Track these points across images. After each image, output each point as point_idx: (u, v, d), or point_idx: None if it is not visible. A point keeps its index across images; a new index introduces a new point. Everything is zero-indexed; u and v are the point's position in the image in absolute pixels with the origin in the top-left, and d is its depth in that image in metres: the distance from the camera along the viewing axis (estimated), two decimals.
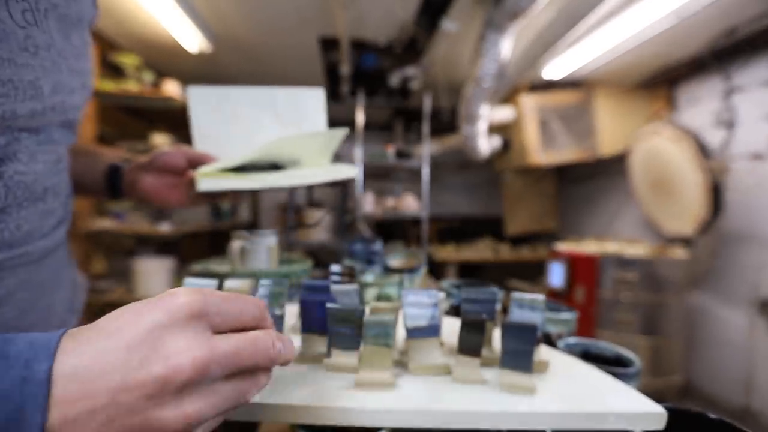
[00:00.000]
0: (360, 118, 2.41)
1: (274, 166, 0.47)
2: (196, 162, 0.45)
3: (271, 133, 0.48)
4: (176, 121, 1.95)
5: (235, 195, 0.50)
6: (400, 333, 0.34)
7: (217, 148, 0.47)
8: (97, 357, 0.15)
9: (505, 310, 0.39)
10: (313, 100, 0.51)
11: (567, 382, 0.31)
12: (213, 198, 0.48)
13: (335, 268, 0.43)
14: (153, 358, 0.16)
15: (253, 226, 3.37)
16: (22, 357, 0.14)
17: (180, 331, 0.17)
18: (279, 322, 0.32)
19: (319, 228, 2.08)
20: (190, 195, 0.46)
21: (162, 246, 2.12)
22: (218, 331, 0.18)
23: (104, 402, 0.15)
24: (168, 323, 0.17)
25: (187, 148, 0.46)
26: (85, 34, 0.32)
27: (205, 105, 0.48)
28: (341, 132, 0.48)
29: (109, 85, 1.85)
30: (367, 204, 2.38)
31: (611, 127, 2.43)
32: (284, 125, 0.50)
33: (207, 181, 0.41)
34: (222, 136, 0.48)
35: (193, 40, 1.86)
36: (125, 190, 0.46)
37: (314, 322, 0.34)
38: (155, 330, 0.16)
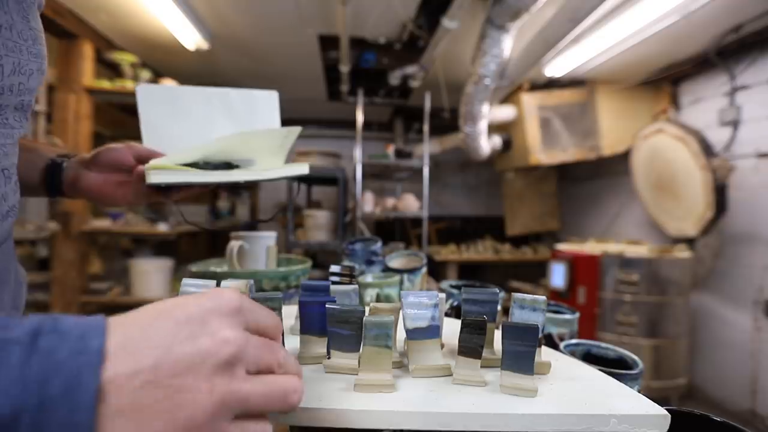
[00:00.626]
0: (359, 117, 2.41)
1: (228, 166, 0.46)
2: (144, 159, 0.43)
3: (224, 132, 0.48)
4: None
5: (193, 191, 0.48)
6: (400, 334, 0.34)
7: (168, 146, 0.46)
8: (146, 331, 0.17)
9: (506, 311, 0.39)
10: (267, 101, 0.51)
11: (569, 384, 0.31)
12: (164, 194, 0.46)
13: (334, 268, 0.43)
14: (200, 333, 0.17)
15: (252, 226, 3.38)
16: (74, 332, 0.16)
17: (223, 318, 0.19)
18: None
19: (319, 228, 2.08)
20: (134, 191, 0.44)
21: (159, 246, 2.12)
22: (246, 329, 0.20)
23: (149, 364, 0.16)
24: (213, 309, 0.19)
25: (135, 145, 0.45)
26: (39, 19, 0.32)
27: (155, 103, 0.47)
28: (296, 130, 0.48)
29: (106, 84, 1.85)
30: (367, 204, 2.38)
31: (613, 126, 2.42)
32: (237, 125, 0.50)
33: (157, 174, 0.40)
34: (172, 134, 0.47)
35: (190, 38, 1.85)
36: (66, 188, 0.43)
37: (313, 323, 0.33)
38: (203, 313, 0.18)
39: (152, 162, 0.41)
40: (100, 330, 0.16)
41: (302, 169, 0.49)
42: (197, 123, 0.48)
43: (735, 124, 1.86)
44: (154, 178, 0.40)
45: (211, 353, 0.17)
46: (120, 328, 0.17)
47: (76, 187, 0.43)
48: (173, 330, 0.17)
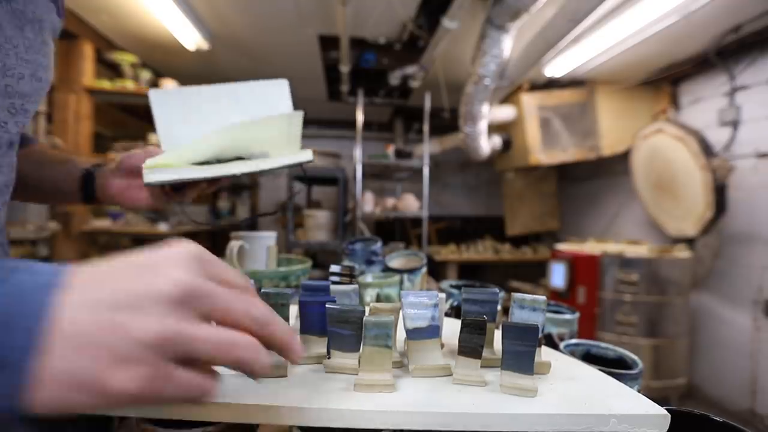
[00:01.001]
0: (359, 117, 2.41)
1: (241, 161, 0.46)
2: None
3: None
4: None
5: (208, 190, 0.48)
6: (400, 334, 0.34)
7: None
8: (103, 273, 0.19)
9: (506, 311, 0.39)
10: (278, 91, 0.50)
11: (568, 384, 0.31)
12: (177, 193, 0.47)
13: (334, 268, 0.43)
14: (151, 275, 0.19)
15: (252, 226, 3.37)
16: (46, 270, 0.18)
17: (178, 263, 0.20)
18: None
19: (319, 228, 2.08)
20: (151, 194, 0.45)
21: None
22: (209, 279, 0.21)
23: (97, 297, 0.18)
24: (170, 256, 0.20)
25: (152, 149, 0.46)
26: (44, 34, 0.34)
27: (168, 107, 0.47)
28: (298, 114, 0.47)
29: (106, 84, 1.85)
30: (367, 204, 2.38)
31: (613, 126, 2.43)
32: (250, 118, 0.49)
33: (152, 173, 0.40)
34: (188, 135, 0.47)
35: (190, 38, 1.85)
36: (98, 194, 0.47)
37: (313, 323, 0.33)
38: (158, 258, 0.20)
39: (148, 161, 0.41)
40: (63, 269, 0.19)
41: (305, 155, 0.47)
42: (211, 121, 0.48)
43: (734, 124, 1.87)
44: (150, 177, 0.40)
45: (156, 292, 0.18)
46: (82, 269, 0.19)
47: (105, 193, 0.46)
48: (126, 271, 0.19)
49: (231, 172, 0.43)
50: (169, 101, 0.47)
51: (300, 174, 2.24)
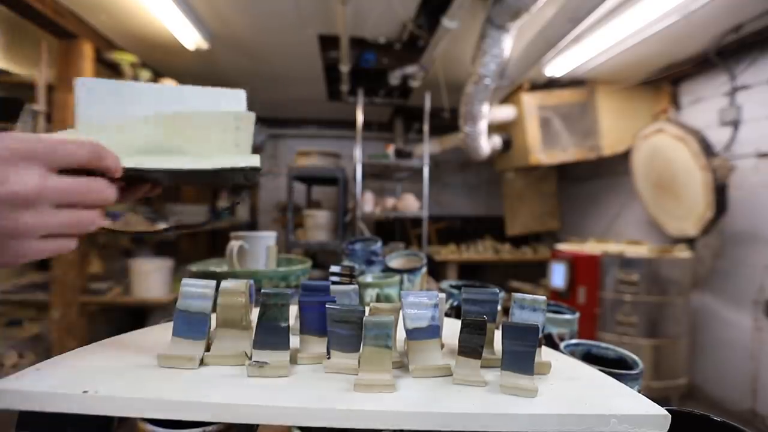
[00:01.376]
0: (359, 117, 2.41)
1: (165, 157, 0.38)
2: None
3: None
4: None
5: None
6: (400, 334, 0.34)
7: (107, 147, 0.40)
8: None
9: (506, 311, 0.39)
10: (232, 101, 0.43)
11: (569, 384, 0.31)
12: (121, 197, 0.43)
13: (334, 268, 0.43)
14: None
15: (252, 226, 3.37)
16: None
17: (12, 167, 0.22)
18: (284, 333, 0.31)
19: (319, 228, 2.08)
20: None
21: (159, 246, 2.12)
22: (54, 170, 0.24)
23: None
24: (6, 158, 0.22)
25: None
26: None
27: (97, 100, 0.40)
28: (248, 117, 0.40)
29: None
30: (367, 204, 2.38)
31: (614, 126, 2.42)
32: None
33: None
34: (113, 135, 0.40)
35: (190, 38, 1.85)
36: None
37: (313, 323, 0.33)
38: None
39: None
40: None
41: (251, 161, 0.39)
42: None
43: (735, 124, 1.86)
44: None
45: (5, 198, 0.21)
46: None
47: None
48: None
49: (144, 167, 0.35)
50: (100, 94, 0.40)
51: (299, 175, 2.24)
